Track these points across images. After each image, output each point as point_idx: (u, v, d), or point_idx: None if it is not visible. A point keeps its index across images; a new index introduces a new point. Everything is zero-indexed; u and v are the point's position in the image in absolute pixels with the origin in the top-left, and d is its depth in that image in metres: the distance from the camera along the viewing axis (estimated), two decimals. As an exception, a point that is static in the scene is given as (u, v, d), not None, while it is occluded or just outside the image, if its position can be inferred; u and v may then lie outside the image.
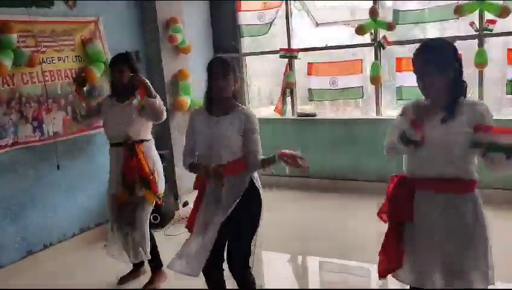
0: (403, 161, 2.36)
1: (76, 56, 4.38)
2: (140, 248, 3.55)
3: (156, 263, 3.71)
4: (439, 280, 2.17)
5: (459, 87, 2.18)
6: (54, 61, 4.18)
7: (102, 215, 4.74)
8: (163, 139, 5.23)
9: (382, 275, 2.36)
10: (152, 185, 3.47)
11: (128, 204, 3.51)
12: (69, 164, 4.40)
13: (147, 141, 3.55)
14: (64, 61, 4.27)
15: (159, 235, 4.65)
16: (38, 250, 4.17)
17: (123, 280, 3.79)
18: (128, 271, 3.83)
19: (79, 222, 4.54)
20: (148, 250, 3.57)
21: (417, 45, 2.24)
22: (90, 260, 4.23)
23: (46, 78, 4.10)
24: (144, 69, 5.17)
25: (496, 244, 2.28)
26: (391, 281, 2.45)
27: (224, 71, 2.64)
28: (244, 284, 2.80)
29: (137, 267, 3.86)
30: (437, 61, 2.12)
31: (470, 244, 2.16)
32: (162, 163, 4.09)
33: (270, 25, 5.88)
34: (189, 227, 2.85)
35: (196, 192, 2.87)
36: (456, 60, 2.18)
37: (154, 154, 3.61)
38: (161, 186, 3.61)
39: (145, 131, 3.54)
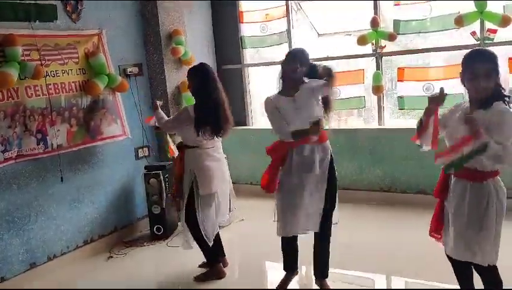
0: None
1: (80, 69, 4.42)
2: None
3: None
4: (457, 250, 2.64)
5: (495, 93, 2.53)
6: (57, 74, 4.21)
7: (106, 227, 4.77)
8: (165, 151, 5.24)
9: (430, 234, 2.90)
10: (174, 188, 3.96)
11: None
12: (73, 176, 4.42)
13: (189, 147, 3.78)
14: (68, 74, 4.31)
15: (161, 246, 4.66)
16: (42, 262, 4.17)
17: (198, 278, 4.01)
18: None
19: (82, 234, 4.54)
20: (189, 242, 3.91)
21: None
22: (94, 272, 4.24)
23: (50, 91, 4.13)
24: (147, 81, 5.21)
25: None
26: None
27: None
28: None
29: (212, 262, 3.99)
30: (489, 68, 2.49)
31: (480, 225, 2.54)
32: (164, 175, 4.15)
33: (272, 37, 5.92)
34: (270, 188, 3.39)
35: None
36: (498, 68, 2.52)
37: (193, 160, 3.77)
38: (204, 189, 3.76)
39: (186, 138, 3.80)
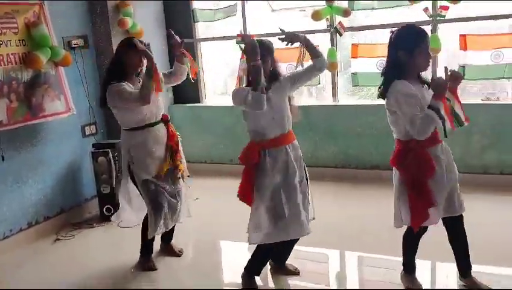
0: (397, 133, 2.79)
1: (19, 40, 4.12)
2: None
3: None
4: (460, 203, 2.84)
5: None
6: (-6, 46, 3.92)
7: (52, 208, 4.56)
8: (115, 128, 5.04)
9: (418, 226, 2.77)
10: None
11: None
12: (15, 155, 4.17)
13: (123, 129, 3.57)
14: (6, 45, 4.01)
15: (112, 227, 4.51)
16: (-18, 247, 3.95)
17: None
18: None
19: (27, 216, 4.31)
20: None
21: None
22: (40, 255, 4.04)
23: (-14, 64, 3.85)
24: (93, 54, 4.95)
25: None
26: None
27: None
28: None
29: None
30: None
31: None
32: (113, 153, 3.93)
33: (224, 10, 5.76)
34: (246, 199, 3.01)
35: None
36: None
37: (128, 142, 3.59)
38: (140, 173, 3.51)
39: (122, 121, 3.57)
